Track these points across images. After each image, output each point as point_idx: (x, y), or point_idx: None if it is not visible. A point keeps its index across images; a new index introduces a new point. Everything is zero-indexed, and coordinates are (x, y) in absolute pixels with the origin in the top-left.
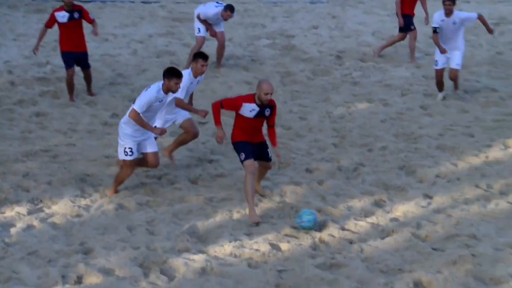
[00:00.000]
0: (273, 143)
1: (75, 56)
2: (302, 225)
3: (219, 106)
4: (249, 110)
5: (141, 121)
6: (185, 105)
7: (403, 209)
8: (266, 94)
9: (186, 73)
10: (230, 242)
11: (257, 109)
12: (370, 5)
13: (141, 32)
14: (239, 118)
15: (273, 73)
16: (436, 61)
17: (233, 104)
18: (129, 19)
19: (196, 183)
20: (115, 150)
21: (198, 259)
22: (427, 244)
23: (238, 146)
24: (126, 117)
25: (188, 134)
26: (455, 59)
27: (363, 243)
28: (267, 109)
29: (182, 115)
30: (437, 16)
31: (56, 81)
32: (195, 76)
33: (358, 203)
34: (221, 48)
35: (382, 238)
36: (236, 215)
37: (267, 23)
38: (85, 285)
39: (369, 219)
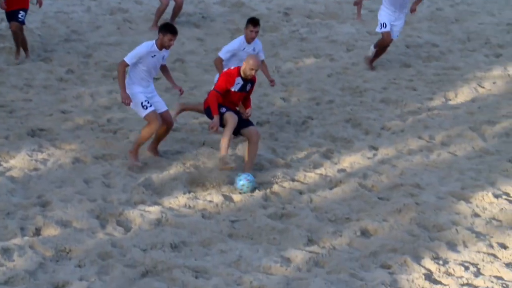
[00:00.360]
0: (247, 105)
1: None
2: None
3: (216, 95)
4: (236, 83)
5: (121, 73)
6: (220, 67)
7: (350, 160)
8: (252, 69)
9: (239, 39)
10: (184, 194)
11: (241, 82)
12: None
13: None
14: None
15: (223, 30)
16: (383, 23)
17: (227, 84)
18: None
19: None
20: (71, 105)
21: (153, 211)
22: (373, 194)
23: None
24: (128, 79)
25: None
26: (398, 29)
27: (312, 193)
28: (248, 83)
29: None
30: (239, 44)
31: (11, 37)
32: (248, 42)
33: (307, 155)
34: (178, 8)
35: (331, 189)
36: (190, 168)
37: None
38: (43, 237)
39: (318, 171)
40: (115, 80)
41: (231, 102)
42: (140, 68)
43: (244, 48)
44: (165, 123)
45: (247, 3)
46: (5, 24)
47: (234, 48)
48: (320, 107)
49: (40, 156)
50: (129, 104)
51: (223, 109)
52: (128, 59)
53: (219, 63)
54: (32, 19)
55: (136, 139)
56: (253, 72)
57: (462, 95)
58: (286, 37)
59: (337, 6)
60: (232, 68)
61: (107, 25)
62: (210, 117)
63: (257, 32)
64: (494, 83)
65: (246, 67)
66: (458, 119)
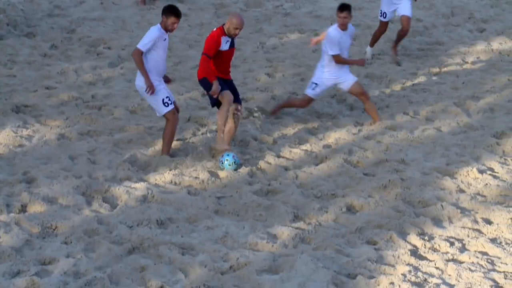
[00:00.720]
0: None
1: None
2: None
3: (207, 59)
4: (225, 42)
5: (140, 62)
6: (344, 59)
7: (335, 136)
8: (236, 29)
9: (332, 29)
10: (170, 170)
11: (230, 39)
12: None
13: None
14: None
15: (207, 5)
16: (384, 12)
17: (215, 45)
18: None
19: (136, 112)
20: (55, 81)
21: (139, 187)
22: (358, 170)
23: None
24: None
25: None
26: (406, 7)
27: (298, 169)
28: (234, 40)
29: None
30: (336, 34)
31: None
32: (343, 29)
33: (292, 131)
34: None
35: (316, 165)
36: (175, 143)
37: None
38: (29, 214)
39: (303, 147)
40: (99, 56)
41: (224, 66)
42: (153, 56)
43: (341, 37)
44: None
45: None
46: None
47: (336, 39)
48: (305, 83)
49: (25, 132)
50: (152, 94)
51: (213, 100)
52: (142, 45)
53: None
54: None
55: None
56: (237, 31)
57: (446, 70)
58: (270, 12)
59: None
60: (214, 30)
61: (90, 0)
62: (207, 87)
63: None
64: (478, 58)
65: (229, 26)
66: (443, 94)
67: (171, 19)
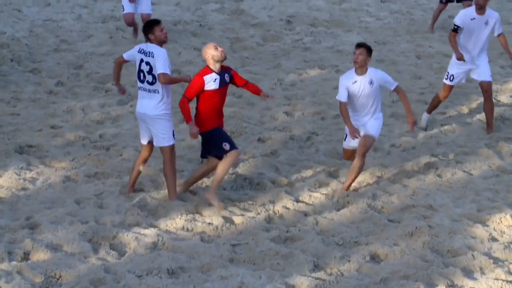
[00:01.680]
0: (258, 91)
1: None
2: None
3: (185, 101)
4: (212, 81)
5: (174, 79)
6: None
7: (358, 180)
8: (216, 61)
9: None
10: (182, 215)
11: (218, 76)
12: None
13: None
14: (204, 98)
15: (223, 38)
16: (451, 75)
17: (196, 86)
18: None
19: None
20: (61, 119)
21: (149, 234)
22: (383, 216)
23: (214, 135)
24: (160, 98)
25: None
26: (484, 69)
27: (318, 215)
28: (225, 74)
29: None
30: (465, 13)
31: None
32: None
33: (312, 174)
34: None
35: (337, 210)
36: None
37: None
38: (32, 262)
39: (323, 190)
40: (107, 93)
41: (219, 104)
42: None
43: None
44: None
45: (247, 11)
46: None
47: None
48: (325, 122)
49: (28, 174)
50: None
51: (227, 146)
52: (165, 69)
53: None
54: (19, 28)
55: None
56: (218, 64)
57: (477, 109)
58: (288, 46)
59: (343, 13)
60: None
61: (99, 34)
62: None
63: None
64: (510, 96)
65: (209, 61)
66: (473, 135)
67: (158, 28)
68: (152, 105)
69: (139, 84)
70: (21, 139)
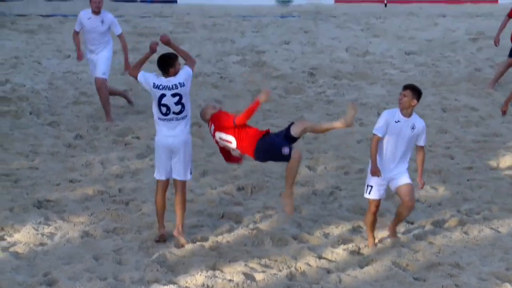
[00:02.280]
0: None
1: None
2: None
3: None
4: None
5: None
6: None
7: (382, 236)
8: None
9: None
10: (202, 271)
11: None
12: (343, 19)
13: None
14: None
15: (244, 91)
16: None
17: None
18: None
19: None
20: (80, 173)
21: None
22: (408, 274)
23: (269, 141)
24: (188, 121)
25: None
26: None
27: (342, 272)
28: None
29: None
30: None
31: (17, 100)
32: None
33: (335, 230)
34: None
35: (361, 267)
36: (208, 243)
37: (236, 39)
38: None
39: (347, 247)
40: (126, 146)
41: None
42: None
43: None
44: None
45: (269, 62)
46: (10, 86)
47: None
48: (349, 177)
49: (46, 229)
50: None
51: (286, 149)
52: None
53: None
54: (39, 80)
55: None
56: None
57: (505, 164)
58: (311, 99)
59: (367, 65)
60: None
61: (118, 86)
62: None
63: None
64: None
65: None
66: (501, 191)
67: (177, 63)
68: (181, 129)
69: (161, 116)
70: (40, 193)
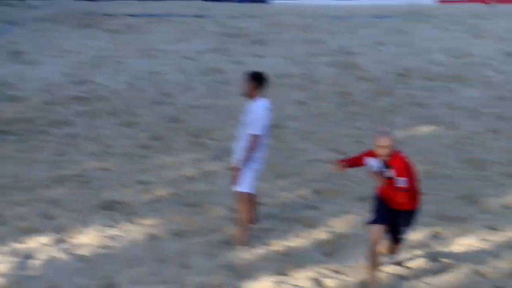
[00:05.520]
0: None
1: None
2: None
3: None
4: (371, 161)
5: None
6: None
7: (463, 243)
8: (378, 146)
9: None
10: (270, 276)
11: (377, 163)
12: (444, 20)
13: (191, 48)
14: None
15: (330, 93)
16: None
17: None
18: (179, 34)
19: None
20: (152, 175)
21: None
22: (489, 282)
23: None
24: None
25: None
26: None
27: (418, 280)
28: (386, 168)
29: None
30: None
31: (94, 100)
32: None
33: (414, 235)
34: None
35: (440, 275)
36: (276, 247)
37: (327, 39)
38: None
39: (425, 253)
40: (203, 148)
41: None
42: None
43: None
44: None
45: (360, 64)
46: (89, 85)
47: None
48: (433, 181)
49: (112, 232)
50: None
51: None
52: None
53: None
54: (121, 79)
55: None
56: (380, 150)
57: None
58: (400, 101)
59: (464, 67)
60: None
61: (200, 87)
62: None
63: None
64: None
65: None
66: None
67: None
68: None
69: None
70: (109, 194)
